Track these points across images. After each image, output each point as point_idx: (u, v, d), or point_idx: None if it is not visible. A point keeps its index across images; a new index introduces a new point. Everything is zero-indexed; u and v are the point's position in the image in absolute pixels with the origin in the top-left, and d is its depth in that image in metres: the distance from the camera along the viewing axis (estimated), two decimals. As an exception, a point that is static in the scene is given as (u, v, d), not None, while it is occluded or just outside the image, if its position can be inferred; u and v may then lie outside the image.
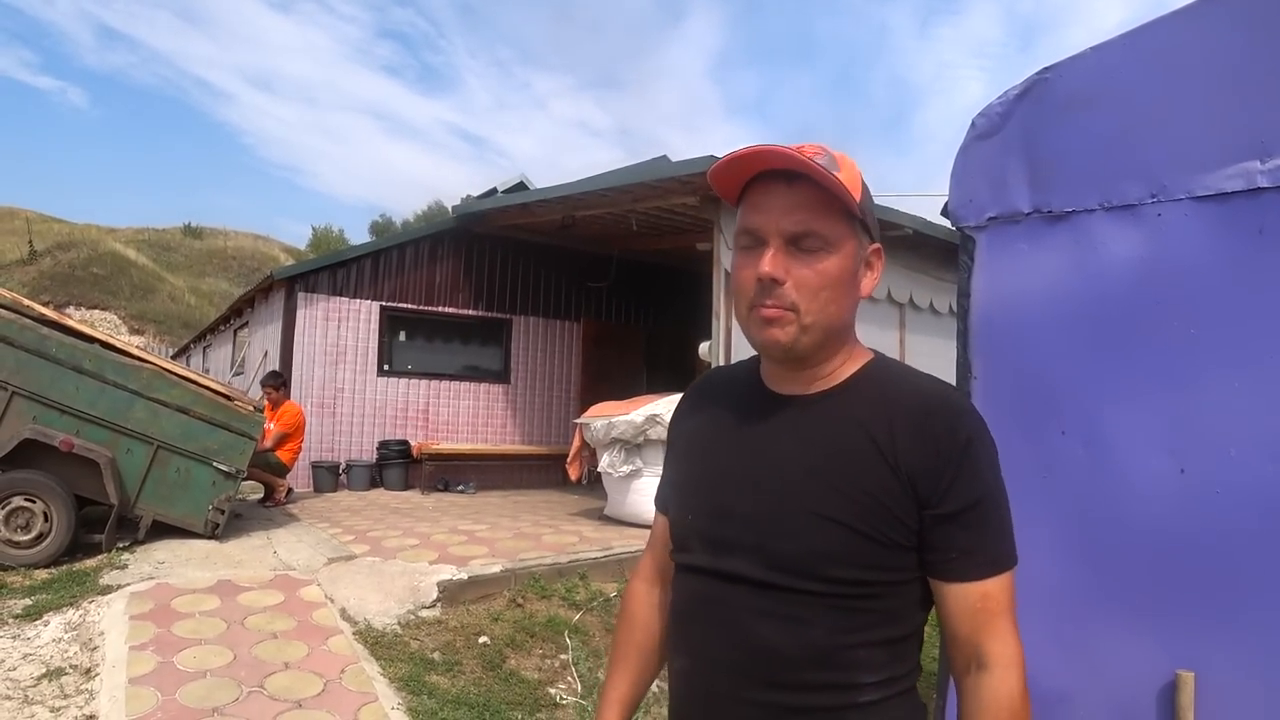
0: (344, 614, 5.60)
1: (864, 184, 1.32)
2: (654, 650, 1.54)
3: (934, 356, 9.29)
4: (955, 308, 2.69)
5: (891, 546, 1.25)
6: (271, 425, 9.19)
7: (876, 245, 1.36)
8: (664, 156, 10.03)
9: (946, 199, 2.69)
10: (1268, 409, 2.03)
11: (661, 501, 1.55)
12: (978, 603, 1.26)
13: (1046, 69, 2.39)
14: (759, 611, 1.28)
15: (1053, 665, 2.27)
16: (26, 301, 7.23)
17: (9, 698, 4.43)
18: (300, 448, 9.81)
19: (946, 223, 3.07)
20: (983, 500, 1.26)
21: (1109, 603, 2.26)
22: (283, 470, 9.43)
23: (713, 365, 7.71)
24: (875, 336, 8.94)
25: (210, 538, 7.00)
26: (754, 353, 1.44)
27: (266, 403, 9.25)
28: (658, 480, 6.08)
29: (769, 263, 1.26)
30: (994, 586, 1.26)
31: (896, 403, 1.30)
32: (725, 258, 7.60)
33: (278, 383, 9.64)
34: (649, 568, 1.59)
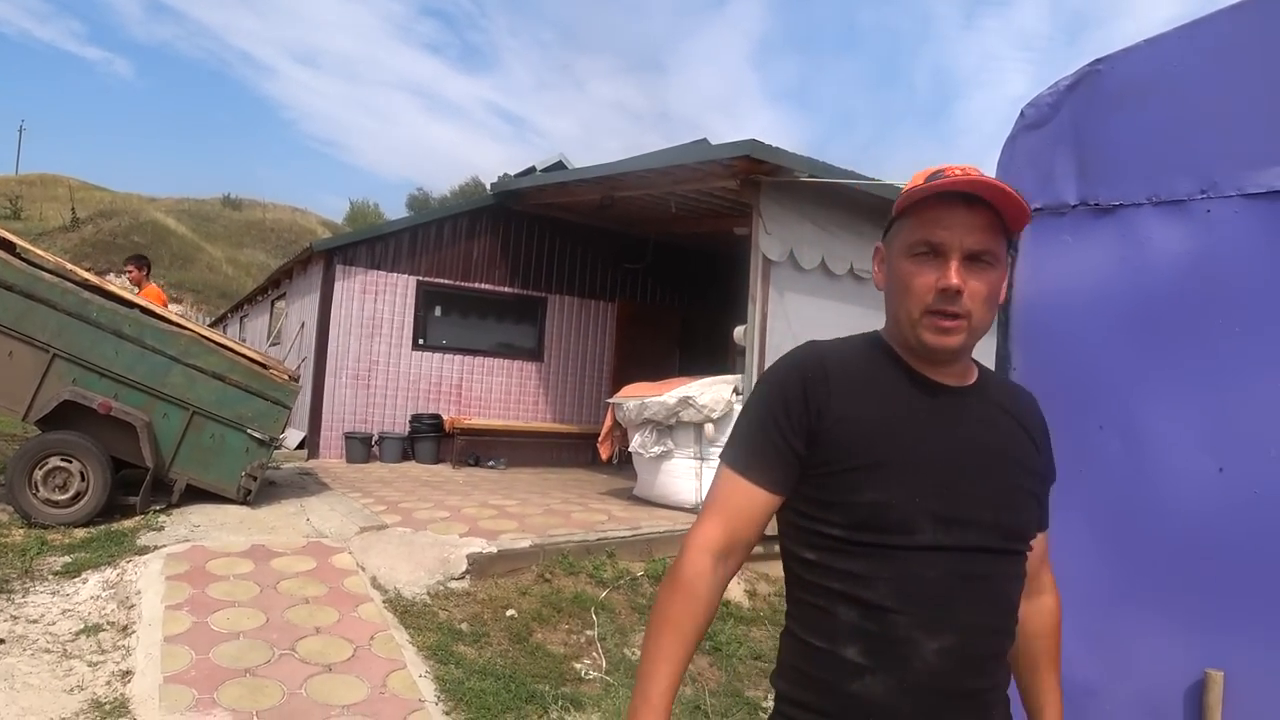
0: (374, 582, 5.68)
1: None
2: (705, 629, 1.52)
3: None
4: (995, 299, 2.67)
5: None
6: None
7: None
8: (704, 139, 9.99)
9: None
10: (1312, 410, 2.01)
11: (764, 476, 1.52)
12: (1045, 546, 1.71)
13: (1099, 60, 2.36)
14: (1010, 576, 1.53)
15: (1082, 658, 2.26)
16: (69, 265, 7.36)
17: (49, 651, 4.55)
18: None
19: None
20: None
21: (1140, 598, 2.25)
22: None
23: (746, 350, 7.70)
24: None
25: (243, 503, 7.11)
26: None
27: (129, 280, 9.33)
28: (688, 462, 6.14)
29: (955, 274, 1.44)
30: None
31: (1017, 395, 1.68)
32: (764, 242, 7.57)
33: (141, 263, 9.52)
34: (719, 542, 1.52)
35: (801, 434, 1.50)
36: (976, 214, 1.45)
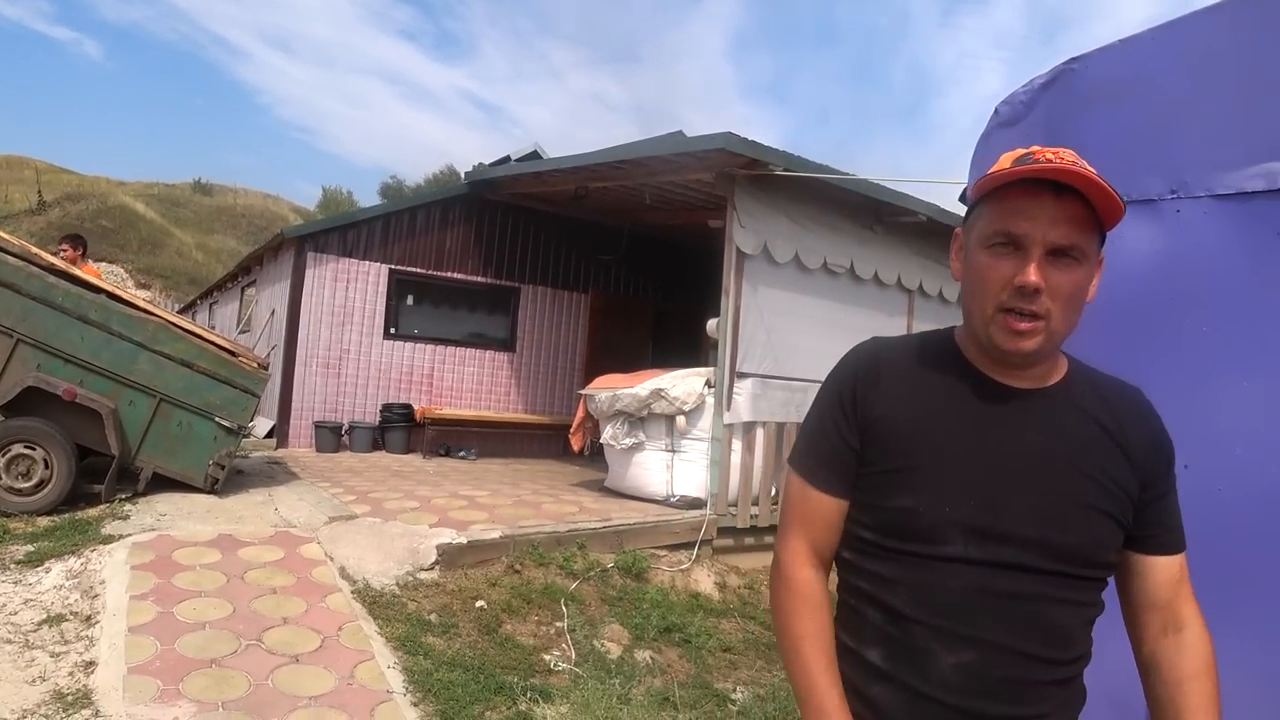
0: (343, 572, 5.64)
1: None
2: (833, 634, 1.50)
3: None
4: (967, 295, 2.67)
5: (1123, 529, 1.45)
6: None
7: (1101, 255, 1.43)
8: (679, 132, 9.97)
9: (964, 186, 2.67)
10: (1276, 409, 2.03)
11: (826, 482, 1.51)
12: (1180, 572, 1.50)
13: (1073, 60, 2.38)
14: (1058, 601, 1.39)
15: (1048, 654, 2.28)
16: (34, 249, 7.24)
17: (10, 641, 4.48)
18: None
19: (961, 210, 3.05)
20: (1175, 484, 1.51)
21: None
22: None
23: (719, 343, 7.70)
24: (883, 323, 8.92)
25: (210, 492, 7.04)
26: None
27: (63, 258, 9.09)
28: (659, 454, 6.13)
29: (1034, 272, 1.33)
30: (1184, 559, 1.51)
31: (1110, 397, 1.49)
32: (738, 235, 7.57)
33: (76, 243, 9.14)
34: (807, 553, 1.52)
35: (855, 430, 1.48)
36: (1065, 205, 1.33)
